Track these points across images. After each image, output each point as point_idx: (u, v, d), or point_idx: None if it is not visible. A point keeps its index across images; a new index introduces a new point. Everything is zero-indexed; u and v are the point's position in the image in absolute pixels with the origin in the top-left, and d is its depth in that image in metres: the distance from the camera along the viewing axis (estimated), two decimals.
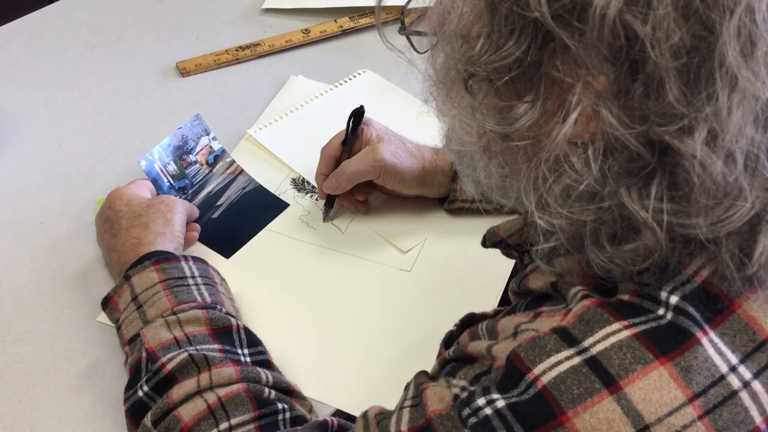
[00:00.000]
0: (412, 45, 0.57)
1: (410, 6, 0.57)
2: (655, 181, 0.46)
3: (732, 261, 0.48)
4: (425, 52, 0.56)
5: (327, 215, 0.99)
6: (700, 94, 0.43)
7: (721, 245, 0.48)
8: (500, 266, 0.92)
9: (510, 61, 0.47)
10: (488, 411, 0.50)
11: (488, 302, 0.89)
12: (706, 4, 0.42)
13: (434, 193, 0.98)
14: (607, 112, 0.45)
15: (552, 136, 0.48)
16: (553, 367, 0.49)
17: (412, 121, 1.05)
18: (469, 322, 0.71)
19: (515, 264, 0.92)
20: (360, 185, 0.97)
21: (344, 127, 0.96)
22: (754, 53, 0.41)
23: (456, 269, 0.94)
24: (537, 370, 0.49)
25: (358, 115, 0.96)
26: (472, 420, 0.51)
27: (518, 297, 0.64)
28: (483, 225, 0.97)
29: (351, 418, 0.77)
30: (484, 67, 0.49)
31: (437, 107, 0.59)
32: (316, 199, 1.01)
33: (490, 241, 0.71)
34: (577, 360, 0.49)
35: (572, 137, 0.48)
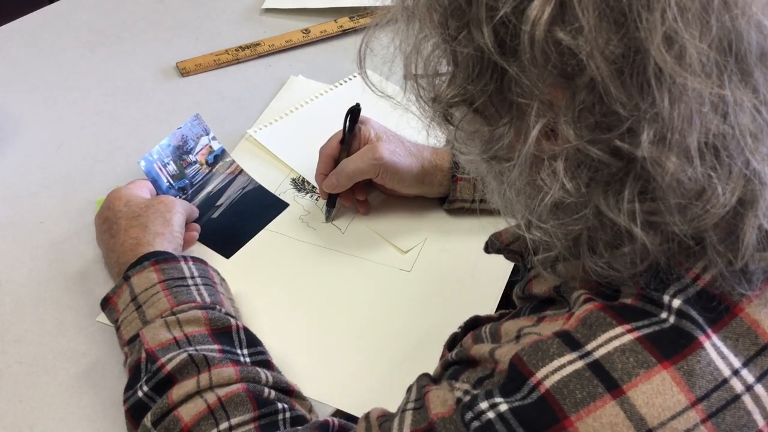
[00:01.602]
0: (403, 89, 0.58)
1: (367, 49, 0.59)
2: (627, 186, 0.47)
3: (720, 257, 0.48)
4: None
5: (329, 215, 0.99)
6: (641, 96, 0.43)
7: (706, 242, 0.48)
8: (500, 266, 0.92)
9: (472, 94, 0.50)
10: (491, 415, 0.50)
11: (488, 302, 0.89)
12: (629, 7, 0.42)
13: (434, 192, 0.98)
14: (564, 125, 0.46)
15: (517, 155, 0.50)
16: (556, 371, 0.49)
17: (412, 121, 1.05)
18: (474, 324, 0.70)
19: (516, 264, 0.92)
20: (360, 184, 0.97)
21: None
22: (683, 51, 0.42)
23: (456, 269, 0.94)
24: (540, 374, 0.49)
25: (354, 113, 0.96)
26: (475, 424, 0.51)
27: (523, 302, 0.64)
28: (483, 225, 0.97)
29: (351, 418, 0.77)
30: (451, 102, 0.51)
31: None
32: (316, 199, 1.01)
33: (492, 247, 0.72)
34: (579, 364, 0.49)
35: (539, 153, 0.49)
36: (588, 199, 0.48)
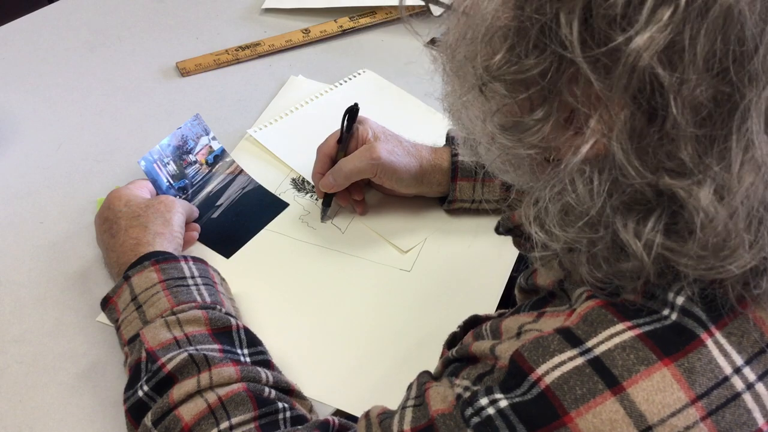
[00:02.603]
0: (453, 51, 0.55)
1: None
2: (653, 216, 0.47)
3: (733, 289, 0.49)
4: (438, 45, 0.55)
5: (324, 215, 0.99)
6: (713, 154, 0.43)
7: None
8: (501, 266, 0.92)
9: (528, 76, 0.48)
10: (491, 411, 0.50)
11: (488, 302, 0.89)
12: (740, 73, 0.42)
13: (433, 192, 0.98)
14: (618, 148, 0.46)
15: (562, 163, 0.49)
16: (557, 368, 0.49)
17: (412, 121, 1.06)
18: (473, 323, 0.71)
19: (517, 262, 0.92)
20: (357, 184, 0.97)
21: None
22: None
23: (456, 269, 0.94)
24: (540, 371, 0.50)
25: (352, 112, 0.96)
26: (475, 420, 0.51)
27: (524, 294, 0.64)
28: (483, 225, 0.98)
29: (351, 418, 0.77)
30: (501, 78, 0.49)
31: (447, 93, 0.59)
32: (316, 199, 1.01)
33: (504, 226, 0.71)
34: (580, 360, 0.49)
35: (584, 162, 0.48)
36: (609, 219, 0.48)
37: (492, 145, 0.55)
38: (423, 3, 0.56)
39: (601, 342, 0.49)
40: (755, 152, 0.42)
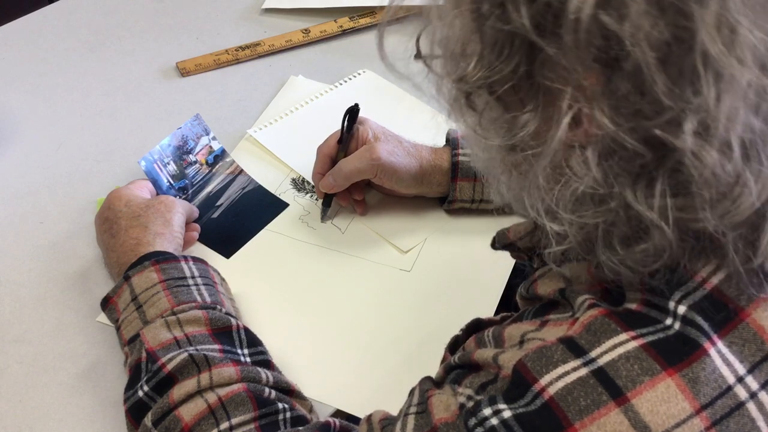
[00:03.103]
0: (430, 67, 0.56)
1: (409, 25, 0.57)
2: (658, 178, 0.46)
3: (738, 255, 0.47)
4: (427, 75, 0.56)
5: (325, 215, 0.99)
6: (686, 86, 0.42)
7: (728, 238, 0.47)
8: (500, 266, 0.92)
9: (502, 76, 0.48)
10: (494, 421, 0.50)
11: (488, 302, 0.89)
12: None
13: (433, 192, 0.98)
14: (599, 112, 0.45)
15: (548, 142, 0.48)
16: (560, 378, 0.49)
17: (412, 121, 1.05)
18: (476, 327, 0.70)
19: (515, 264, 0.92)
20: (358, 184, 0.97)
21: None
22: (735, 40, 0.41)
23: (456, 269, 0.94)
24: (544, 381, 0.49)
25: (352, 113, 0.96)
26: (479, 430, 0.50)
27: (526, 302, 0.64)
28: (483, 225, 0.98)
29: (351, 419, 0.77)
30: (479, 84, 0.49)
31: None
32: (316, 199, 1.01)
33: (500, 243, 0.71)
34: (584, 371, 0.49)
35: (570, 141, 0.48)
36: (617, 191, 0.47)
37: (504, 166, 0.55)
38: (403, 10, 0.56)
39: (605, 352, 0.49)
40: (725, 73, 0.41)
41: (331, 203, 0.98)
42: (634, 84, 0.43)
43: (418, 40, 0.54)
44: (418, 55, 0.54)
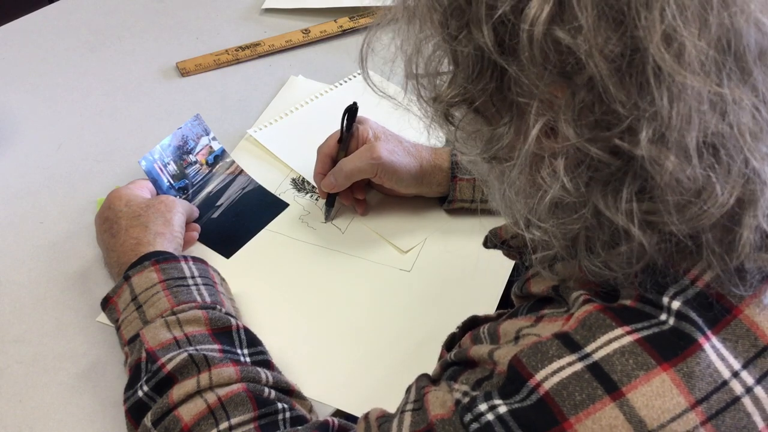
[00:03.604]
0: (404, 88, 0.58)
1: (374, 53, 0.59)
2: (625, 185, 0.47)
3: (715, 257, 0.48)
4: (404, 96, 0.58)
5: (328, 215, 0.99)
6: (640, 95, 0.43)
7: (702, 240, 0.47)
8: (500, 266, 0.92)
9: (474, 94, 0.49)
10: (490, 417, 0.50)
11: (488, 302, 0.89)
12: (628, 6, 0.42)
13: (433, 192, 0.98)
14: (564, 124, 0.46)
15: (517, 154, 0.50)
16: (555, 373, 0.49)
17: (412, 121, 1.05)
18: (471, 324, 0.70)
19: (516, 264, 0.92)
20: (359, 184, 0.97)
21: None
22: (683, 51, 0.42)
23: (456, 269, 0.94)
24: (539, 376, 0.49)
25: (351, 111, 0.96)
26: (474, 426, 0.51)
27: (520, 300, 0.64)
28: (483, 225, 0.97)
29: (351, 418, 0.77)
30: (453, 102, 0.51)
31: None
32: (316, 199, 1.01)
33: (491, 242, 0.72)
34: (579, 366, 0.49)
35: (540, 152, 0.49)
36: (587, 198, 0.48)
37: (489, 177, 0.57)
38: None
39: (600, 347, 0.49)
40: (676, 81, 0.42)
41: (334, 203, 0.98)
42: (592, 95, 0.45)
43: (363, 61, 0.57)
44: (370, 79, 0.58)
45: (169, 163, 0.98)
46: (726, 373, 0.48)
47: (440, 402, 0.55)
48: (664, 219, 0.46)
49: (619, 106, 0.44)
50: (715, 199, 0.45)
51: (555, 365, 0.49)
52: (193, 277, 0.83)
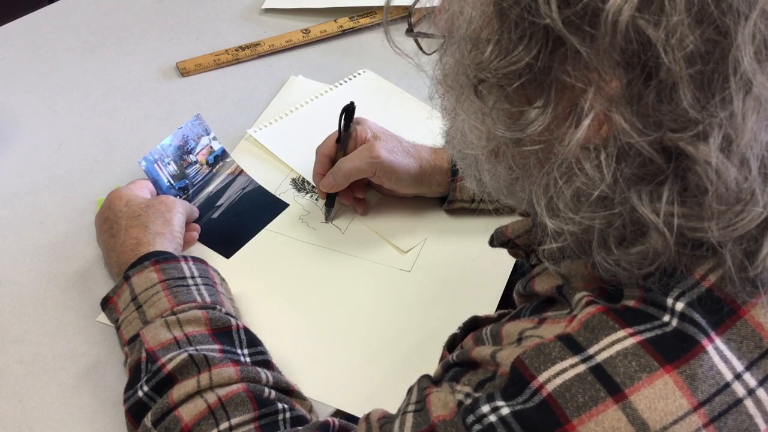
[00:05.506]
0: (420, 47, 0.56)
1: (417, 6, 0.56)
2: (666, 185, 0.46)
3: (734, 263, 0.48)
4: (433, 52, 0.56)
5: (328, 215, 0.99)
6: (714, 100, 0.43)
7: (726, 248, 0.47)
8: (500, 266, 0.92)
9: (520, 66, 0.47)
10: (493, 418, 0.50)
11: (488, 302, 0.89)
12: (721, 10, 0.41)
13: (432, 192, 0.98)
14: (619, 117, 0.45)
15: (565, 141, 0.48)
16: (558, 375, 0.49)
17: (412, 121, 1.05)
18: (473, 325, 0.70)
19: (516, 264, 0.92)
20: (359, 183, 0.97)
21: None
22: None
23: (456, 269, 0.94)
24: (542, 378, 0.49)
25: (348, 111, 0.96)
26: (477, 427, 0.50)
27: (523, 299, 0.64)
28: (483, 225, 0.97)
29: (351, 419, 0.77)
30: (493, 73, 0.48)
31: (443, 107, 0.59)
32: (316, 199, 1.01)
33: (497, 240, 0.71)
34: (582, 368, 0.49)
35: (584, 142, 0.48)
36: (624, 194, 0.47)
37: (496, 157, 0.55)
38: (407, 7, 0.56)
39: (603, 349, 0.49)
40: (754, 91, 0.42)
41: (334, 203, 0.98)
42: (661, 93, 0.44)
43: (410, 15, 0.53)
44: (410, 31, 0.54)
45: (169, 163, 0.98)
46: (728, 375, 0.48)
47: (442, 403, 0.55)
48: (701, 225, 0.46)
49: (690, 107, 0.43)
50: (755, 211, 0.45)
51: (558, 367, 0.49)
52: (193, 277, 0.83)
